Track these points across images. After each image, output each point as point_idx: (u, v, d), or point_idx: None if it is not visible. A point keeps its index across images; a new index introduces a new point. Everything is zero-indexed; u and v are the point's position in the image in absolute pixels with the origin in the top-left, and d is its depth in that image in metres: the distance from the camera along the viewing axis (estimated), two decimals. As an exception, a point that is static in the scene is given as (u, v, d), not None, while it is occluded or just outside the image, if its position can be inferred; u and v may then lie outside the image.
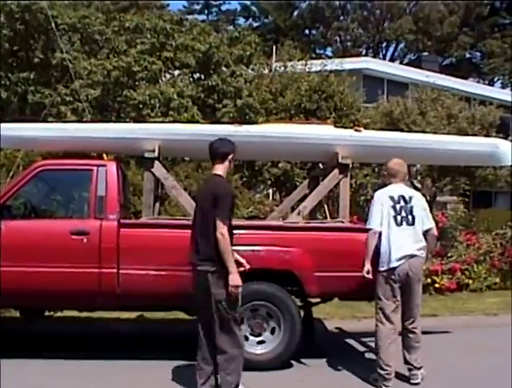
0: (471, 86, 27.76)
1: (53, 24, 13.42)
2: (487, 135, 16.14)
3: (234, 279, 5.43)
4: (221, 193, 5.54)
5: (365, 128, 9.03)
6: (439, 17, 41.17)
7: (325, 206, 8.74)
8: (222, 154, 5.78)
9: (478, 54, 45.44)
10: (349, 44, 44.83)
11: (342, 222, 7.62)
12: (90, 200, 6.92)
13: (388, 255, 6.22)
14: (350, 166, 7.91)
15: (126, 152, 9.75)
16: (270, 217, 9.21)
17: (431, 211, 7.02)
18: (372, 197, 6.62)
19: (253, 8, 48.94)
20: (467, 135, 14.55)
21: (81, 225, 6.76)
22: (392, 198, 6.33)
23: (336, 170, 7.73)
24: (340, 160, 7.67)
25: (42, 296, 6.67)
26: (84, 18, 16.45)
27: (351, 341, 8.19)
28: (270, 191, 16.92)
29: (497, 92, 29.09)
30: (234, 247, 5.62)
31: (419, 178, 17.84)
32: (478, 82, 36.87)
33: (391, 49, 45.66)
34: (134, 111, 14.76)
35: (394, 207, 6.29)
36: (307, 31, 47.61)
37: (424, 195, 6.77)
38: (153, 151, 7.59)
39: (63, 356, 6.86)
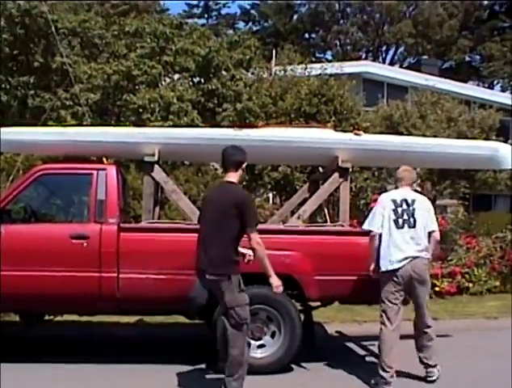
0: (470, 90, 27.77)
1: (53, 28, 13.43)
2: (487, 138, 16.17)
3: (275, 280, 5.67)
4: (246, 203, 5.64)
5: (365, 132, 9.06)
6: (439, 20, 41.20)
7: (325, 210, 8.74)
8: (237, 163, 5.81)
9: (478, 57, 45.50)
10: (349, 47, 44.87)
11: (342, 226, 7.62)
12: (89, 204, 6.93)
13: (388, 256, 6.26)
14: (350, 169, 7.93)
15: (126, 156, 9.76)
16: (270, 221, 9.21)
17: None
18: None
19: (253, 12, 49.03)
20: (467, 138, 14.57)
21: (81, 229, 6.76)
22: (394, 201, 6.40)
23: (336, 174, 7.74)
24: (340, 164, 7.69)
25: (42, 300, 6.67)
26: (84, 23, 16.44)
27: (351, 345, 8.19)
28: (271, 195, 16.92)
29: (496, 95, 29.09)
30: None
31: (419, 181, 17.85)
32: (478, 85, 36.86)
33: (390, 53, 45.77)
34: (134, 115, 14.76)
35: (396, 210, 6.35)
36: (307, 35, 47.66)
37: (430, 199, 6.80)
38: (153, 155, 7.60)
39: (63, 360, 6.85)
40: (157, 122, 13.94)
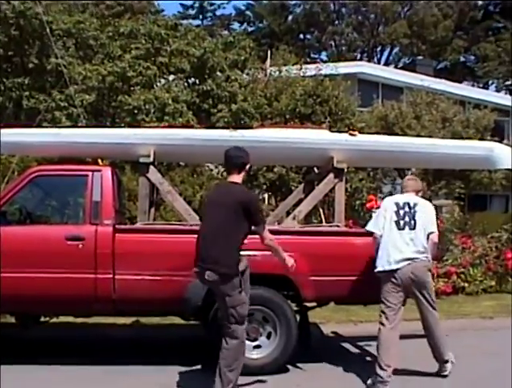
0: (465, 90, 27.83)
1: (48, 29, 13.40)
2: (482, 138, 16.22)
3: (289, 260, 5.89)
4: (253, 202, 5.75)
5: (360, 133, 9.05)
6: (433, 21, 41.27)
7: (321, 210, 8.75)
8: (241, 165, 5.83)
9: (472, 58, 45.57)
10: (344, 48, 44.88)
11: (338, 226, 7.63)
12: (85, 206, 6.91)
13: (386, 257, 6.32)
14: (346, 170, 7.93)
15: (121, 157, 9.75)
16: (265, 222, 9.20)
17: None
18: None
19: (248, 13, 49.03)
20: (462, 138, 14.60)
21: (77, 230, 6.75)
22: (397, 204, 6.52)
23: (331, 175, 7.74)
24: (335, 164, 7.69)
25: (37, 302, 6.65)
26: (79, 24, 16.41)
27: (347, 345, 8.19)
28: (266, 195, 16.91)
29: (491, 96, 29.17)
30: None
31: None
32: (472, 85, 36.91)
33: (385, 53, 45.79)
34: (129, 116, 14.76)
35: (397, 212, 6.46)
36: (301, 36, 47.68)
37: (426, 199, 6.91)
38: (148, 156, 7.59)
39: (60, 361, 6.83)
40: (153, 123, 13.93)
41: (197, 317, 7.02)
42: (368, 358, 7.35)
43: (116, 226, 6.78)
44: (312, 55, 43.96)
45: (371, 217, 14.13)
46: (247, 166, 5.90)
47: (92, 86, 15.17)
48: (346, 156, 7.79)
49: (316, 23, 44.90)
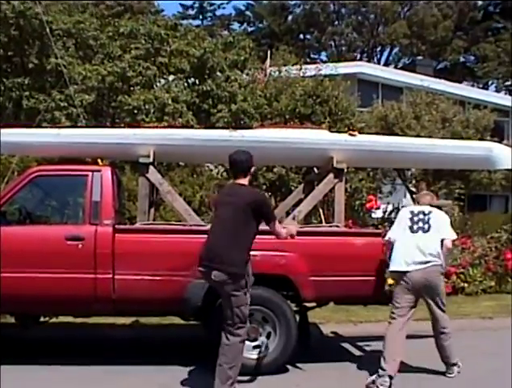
0: (465, 90, 27.85)
1: (48, 30, 13.39)
2: (481, 139, 16.22)
3: (291, 229, 6.09)
4: (263, 201, 5.89)
5: (360, 133, 9.04)
6: (433, 21, 41.29)
7: (320, 211, 8.75)
8: (247, 169, 5.92)
9: (472, 58, 45.59)
10: (343, 48, 44.91)
11: (338, 227, 7.63)
12: (85, 206, 6.91)
13: (398, 258, 6.46)
14: (345, 170, 7.93)
15: (121, 157, 9.73)
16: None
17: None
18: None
19: (248, 13, 49.05)
20: (462, 139, 14.60)
21: (76, 230, 6.75)
22: (412, 212, 6.74)
23: (331, 175, 7.74)
24: (335, 164, 7.69)
25: (37, 302, 6.65)
26: (79, 24, 16.41)
27: (347, 345, 8.19)
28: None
29: (491, 96, 29.19)
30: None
31: (414, 182, 17.89)
32: (472, 85, 36.91)
33: (385, 54, 45.85)
34: (129, 116, 14.76)
35: (412, 218, 6.65)
36: (301, 36, 47.70)
37: (447, 212, 7.12)
38: (148, 156, 7.58)
39: (59, 362, 6.83)
40: (152, 123, 13.93)
41: (196, 317, 7.03)
42: (368, 358, 7.35)
43: (116, 226, 6.78)
44: (311, 55, 44.02)
45: (370, 217, 14.23)
46: (252, 169, 5.99)
47: (92, 86, 15.16)
48: (346, 156, 7.80)
49: (316, 24, 44.92)
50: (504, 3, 42.45)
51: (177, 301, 6.45)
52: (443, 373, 6.64)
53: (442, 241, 6.49)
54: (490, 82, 41.70)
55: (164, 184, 7.87)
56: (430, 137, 14.22)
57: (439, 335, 6.62)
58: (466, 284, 12.11)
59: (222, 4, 52.30)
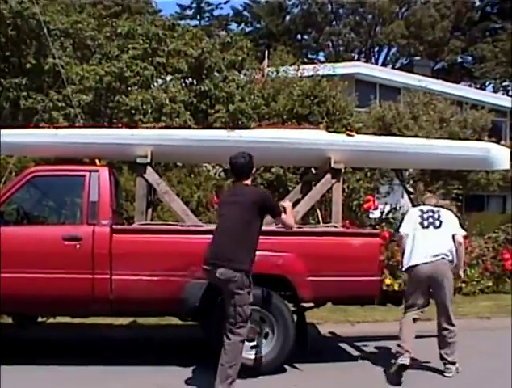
0: (462, 91, 27.87)
1: (45, 30, 13.39)
2: (479, 139, 16.21)
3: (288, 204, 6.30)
4: (268, 197, 6.05)
5: (357, 133, 9.05)
6: (431, 22, 41.30)
7: (318, 211, 8.74)
8: (249, 171, 6.09)
9: (469, 58, 45.61)
10: (341, 48, 44.94)
11: (335, 227, 7.63)
12: (82, 206, 6.92)
13: (410, 254, 6.64)
14: (343, 170, 7.94)
15: (118, 158, 9.73)
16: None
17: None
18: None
19: (246, 13, 49.05)
20: (459, 139, 14.60)
21: (74, 230, 6.75)
22: (421, 210, 6.94)
23: (328, 175, 7.75)
24: (332, 165, 7.70)
25: (35, 302, 6.65)
26: (76, 24, 16.38)
27: (345, 345, 8.19)
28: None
29: (488, 96, 29.22)
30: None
31: (411, 182, 17.89)
32: (470, 86, 36.92)
33: (383, 54, 45.86)
34: (126, 116, 14.73)
35: (422, 216, 6.83)
36: (299, 36, 47.71)
37: (452, 211, 7.23)
38: (146, 157, 7.58)
39: (57, 362, 6.84)
40: (150, 123, 13.91)
41: (194, 317, 7.03)
42: (365, 358, 7.36)
43: (113, 227, 6.79)
44: (309, 55, 44.06)
45: (368, 217, 14.23)
46: (253, 170, 6.16)
47: (89, 86, 15.13)
48: (344, 156, 7.81)
49: (314, 24, 44.95)
50: (501, 4, 42.50)
51: (174, 302, 6.46)
52: (441, 373, 6.67)
53: (453, 237, 6.63)
54: (488, 83, 41.72)
55: (161, 184, 7.86)
56: (427, 137, 14.15)
57: (443, 331, 6.68)
58: (463, 285, 12.12)
59: (220, 4, 52.38)
